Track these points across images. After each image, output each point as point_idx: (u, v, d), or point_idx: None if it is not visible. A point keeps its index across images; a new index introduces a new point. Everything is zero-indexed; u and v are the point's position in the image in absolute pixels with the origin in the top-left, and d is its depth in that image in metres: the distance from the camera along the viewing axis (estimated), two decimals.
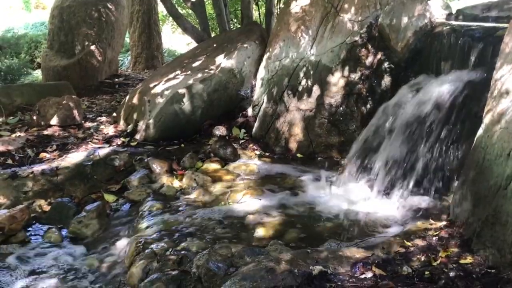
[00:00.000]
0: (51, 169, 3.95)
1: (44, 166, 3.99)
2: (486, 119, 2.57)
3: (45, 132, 4.80)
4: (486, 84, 2.80)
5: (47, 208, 3.69)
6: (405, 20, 4.14)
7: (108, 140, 4.69)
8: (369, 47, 4.33)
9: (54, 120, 4.98)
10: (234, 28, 7.81)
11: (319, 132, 4.40)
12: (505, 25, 3.19)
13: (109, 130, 4.99)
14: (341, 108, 4.35)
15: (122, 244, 3.13)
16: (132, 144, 4.58)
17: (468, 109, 3.34)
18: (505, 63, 2.51)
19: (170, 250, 2.73)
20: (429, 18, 4.21)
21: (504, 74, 2.48)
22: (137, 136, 4.70)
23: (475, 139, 2.68)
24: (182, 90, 4.66)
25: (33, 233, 3.38)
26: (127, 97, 5.33)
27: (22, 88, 6.16)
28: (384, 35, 4.25)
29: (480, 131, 2.63)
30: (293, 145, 4.48)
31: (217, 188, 3.75)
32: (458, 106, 3.42)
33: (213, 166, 4.15)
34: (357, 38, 4.32)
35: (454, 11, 4.73)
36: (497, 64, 2.62)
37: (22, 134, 4.78)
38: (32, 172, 3.88)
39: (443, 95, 3.52)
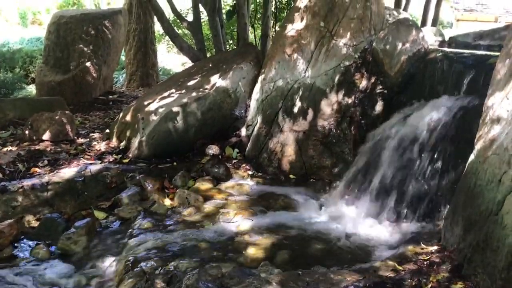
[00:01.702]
0: (42, 184, 3.92)
1: (34, 181, 3.96)
2: (478, 145, 2.60)
3: (37, 147, 4.77)
4: (478, 110, 2.84)
5: (36, 223, 3.65)
6: (399, 45, 4.20)
7: (100, 157, 4.66)
8: (363, 71, 4.39)
9: (46, 135, 4.95)
10: (230, 49, 7.88)
11: (312, 154, 4.41)
12: (497, 53, 3.24)
13: (102, 146, 4.97)
14: (334, 131, 4.37)
15: (111, 262, 3.09)
16: (124, 161, 4.56)
17: (459, 135, 3.37)
18: (497, 90, 2.54)
19: (160, 269, 2.70)
20: (422, 44, 4.27)
21: (496, 101, 2.52)
22: (130, 153, 4.68)
23: (467, 164, 2.70)
24: (176, 109, 4.66)
25: (20, 249, 3.33)
26: (121, 114, 5.32)
27: (15, 102, 6.14)
28: (378, 60, 4.30)
29: (471, 157, 2.65)
30: (285, 166, 4.49)
31: (208, 207, 3.74)
32: (450, 132, 3.45)
33: (205, 185, 4.13)
34: (351, 62, 4.38)
35: (447, 39, 4.82)
36: (489, 91, 2.66)
37: (14, 148, 4.74)
38: (22, 187, 3.85)
39: (435, 120, 3.56)
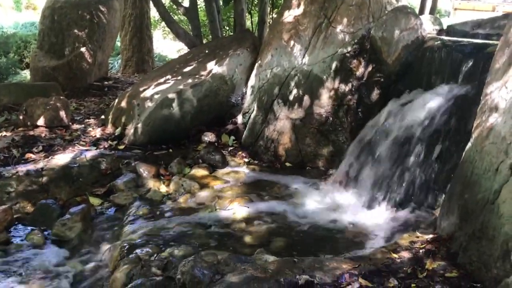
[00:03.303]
0: (36, 170, 3.90)
1: (29, 167, 3.93)
2: (475, 134, 2.59)
3: (32, 133, 4.73)
4: (476, 99, 2.83)
5: (30, 209, 3.63)
6: (397, 33, 4.17)
7: (95, 143, 4.64)
8: (361, 59, 4.36)
9: (41, 121, 4.92)
10: (227, 36, 7.81)
11: (309, 142, 4.39)
12: (495, 42, 3.22)
13: (97, 132, 4.94)
14: (331, 119, 4.35)
15: (106, 248, 3.09)
16: (120, 147, 4.54)
17: (457, 123, 3.37)
18: (495, 79, 2.53)
19: (155, 255, 2.70)
20: (420, 33, 4.25)
21: (494, 90, 2.50)
22: (125, 140, 4.66)
23: (464, 153, 2.69)
24: (172, 95, 4.63)
25: (15, 235, 3.31)
26: (116, 100, 5.29)
27: (9, 87, 6.09)
28: (376, 47, 4.27)
29: (468, 146, 2.64)
30: (282, 153, 4.48)
31: (204, 194, 3.73)
32: (447, 120, 3.44)
33: (201, 172, 4.12)
34: (349, 50, 4.34)
35: (444, 27, 4.79)
36: (487, 80, 2.64)
37: (8, 133, 4.71)
38: (16, 173, 3.83)
39: (432, 109, 3.54)
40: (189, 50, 6.52)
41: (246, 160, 4.51)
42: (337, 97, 4.36)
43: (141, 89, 5.00)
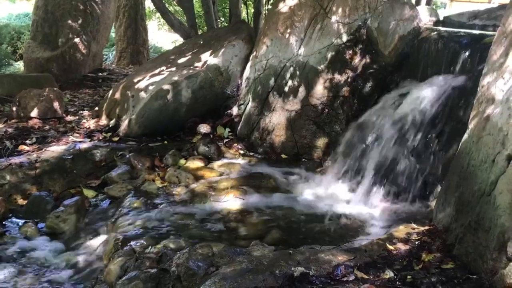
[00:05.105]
0: (30, 162, 3.86)
1: (22, 159, 3.90)
2: (472, 125, 2.57)
3: (25, 124, 4.70)
4: (472, 90, 2.81)
5: (24, 201, 3.60)
6: (393, 24, 4.14)
7: (89, 135, 4.60)
8: (357, 50, 4.33)
9: (34, 112, 4.88)
10: (222, 26, 7.76)
11: (304, 133, 4.37)
12: (492, 32, 3.20)
13: (91, 124, 4.91)
14: (327, 110, 4.33)
15: (100, 240, 3.07)
16: (114, 139, 4.50)
17: (453, 115, 3.35)
18: (492, 70, 2.51)
19: (150, 247, 2.68)
20: (417, 23, 4.22)
21: (491, 81, 2.49)
22: (119, 132, 4.62)
23: (460, 144, 2.68)
24: (167, 86, 4.59)
25: (8, 227, 3.29)
26: (110, 92, 5.25)
27: (2, 79, 6.03)
28: (372, 38, 4.25)
29: (465, 137, 2.63)
30: (277, 145, 4.45)
31: (199, 186, 3.70)
32: (443, 112, 3.43)
33: (196, 164, 4.09)
34: (345, 41, 4.31)
35: (441, 18, 4.77)
36: (484, 71, 2.62)
37: (1, 125, 4.67)
38: (9, 165, 3.79)
39: (428, 100, 3.53)
40: (184, 41, 6.47)
41: (242, 152, 4.49)
42: (332, 88, 4.33)
43: (135, 80, 4.96)
